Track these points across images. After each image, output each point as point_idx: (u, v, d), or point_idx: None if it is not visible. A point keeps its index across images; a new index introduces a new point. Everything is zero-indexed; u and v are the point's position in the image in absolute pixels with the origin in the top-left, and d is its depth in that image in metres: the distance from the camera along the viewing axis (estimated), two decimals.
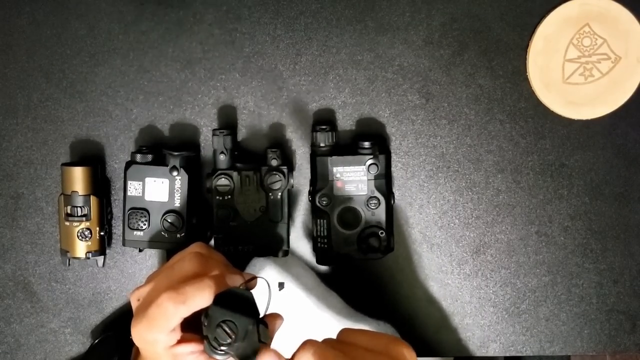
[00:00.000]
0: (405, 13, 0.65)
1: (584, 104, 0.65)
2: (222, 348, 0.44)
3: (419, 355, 0.70)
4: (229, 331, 0.43)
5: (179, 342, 0.48)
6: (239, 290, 0.46)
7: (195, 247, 0.54)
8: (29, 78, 0.66)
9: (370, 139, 0.62)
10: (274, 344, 0.48)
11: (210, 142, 0.65)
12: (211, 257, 0.53)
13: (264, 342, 0.45)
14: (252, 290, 0.48)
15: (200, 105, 0.66)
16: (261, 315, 0.47)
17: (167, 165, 0.62)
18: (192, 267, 0.50)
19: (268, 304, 0.49)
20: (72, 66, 0.66)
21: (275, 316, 0.52)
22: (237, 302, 0.45)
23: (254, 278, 0.52)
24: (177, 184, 0.62)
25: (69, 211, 0.62)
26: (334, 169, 0.61)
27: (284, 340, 0.45)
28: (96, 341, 0.65)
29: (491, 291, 0.67)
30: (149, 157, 0.62)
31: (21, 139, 0.67)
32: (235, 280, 0.50)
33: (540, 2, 0.64)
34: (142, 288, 0.52)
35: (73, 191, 0.62)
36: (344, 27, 0.65)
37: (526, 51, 0.65)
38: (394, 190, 0.65)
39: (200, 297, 0.46)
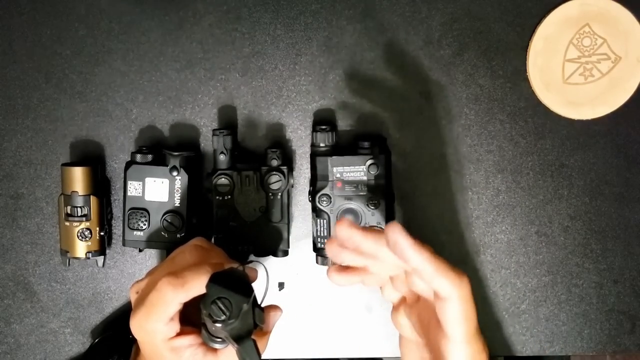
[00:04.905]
0: (405, 13, 0.65)
1: (584, 104, 0.65)
2: (217, 325, 0.44)
3: None
4: (223, 308, 0.44)
5: (178, 334, 0.48)
6: (235, 271, 0.47)
7: (196, 241, 0.55)
8: (29, 78, 0.66)
9: (370, 139, 0.62)
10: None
11: (210, 142, 0.65)
12: (211, 249, 0.54)
13: (259, 324, 0.45)
14: (252, 284, 0.48)
15: (200, 105, 0.66)
16: (260, 304, 0.47)
17: (167, 165, 0.62)
18: (193, 257, 0.51)
19: (265, 291, 0.49)
20: (72, 66, 0.66)
21: (273, 307, 0.52)
22: (233, 282, 0.46)
23: (250, 262, 0.52)
24: (177, 184, 0.62)
25: (69, 211, 0.62)
26: (334, 169, 0.61)
27: None
28: (96, 341, 0.65)
29: (491, 291, 0.67)
30: (149, 157, 0.62)
31: (21, 139, 0.67)
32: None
33: (540, 2, 0.64)
34: (142, 281, 0.52)
35: (73, 191, 0.62)
36: (344, 27, 0.65)
37: (526, 51, 0.65)
38: (394, 190, 0.65)
39: (199, 282, 0.47)
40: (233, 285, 0.45)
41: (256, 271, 0.53)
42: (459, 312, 0.42)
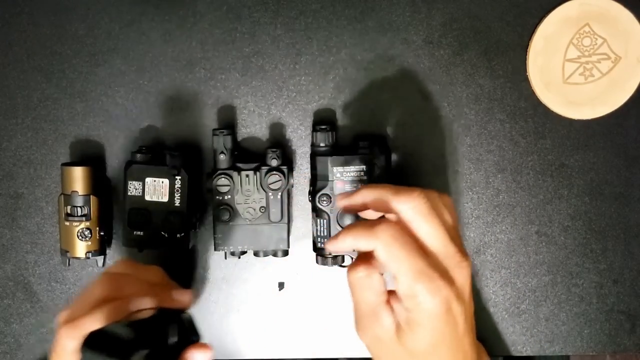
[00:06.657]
0: (405, 13, 0.65)
1: (584, 104, 0.65)
2: None
3: None
4: None
5: None
6: (115, 328, 0.43)
7: (111, 268, 0.55)
8: (29, 78, 0.66)
9: (370, 139, 0.62)
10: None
11: (210, 142, 0.65)
12: (126, 277, 0.54)
13: None
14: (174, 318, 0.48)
15: (200, 105, 0.66)
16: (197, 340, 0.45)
17: (167, 165, 0.62)
18: (103, 291, 0.51)
19: (192, 335, 0.48)
20: (72, 66, 0.66)
21: (199, 346, 0.50)
22: (112, 342, 0.41)
23: (185, 290, 0.52)
24: (177, 184, 0.62)
25: (69, 211, 0.62)
26: (334, 169, 0.61)
27: None
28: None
29: (491, 291, 0.67)
30: (149, 157, 0.62)
31: (21, 139, 0.67)
32: (144, 304, 0.50)
33: (540, 2, 0.64)
34: (65, 312, 0.52)
35: (73, 191, 0.62)
36: (344, 27, 0.65)
37: (526, 51, 0.65)
38: None
39: (95, 327, 0.46)
40: (112, 347, 0.41)
41: (189, 294, 0.53)
42: (390, 251, 0.41)
